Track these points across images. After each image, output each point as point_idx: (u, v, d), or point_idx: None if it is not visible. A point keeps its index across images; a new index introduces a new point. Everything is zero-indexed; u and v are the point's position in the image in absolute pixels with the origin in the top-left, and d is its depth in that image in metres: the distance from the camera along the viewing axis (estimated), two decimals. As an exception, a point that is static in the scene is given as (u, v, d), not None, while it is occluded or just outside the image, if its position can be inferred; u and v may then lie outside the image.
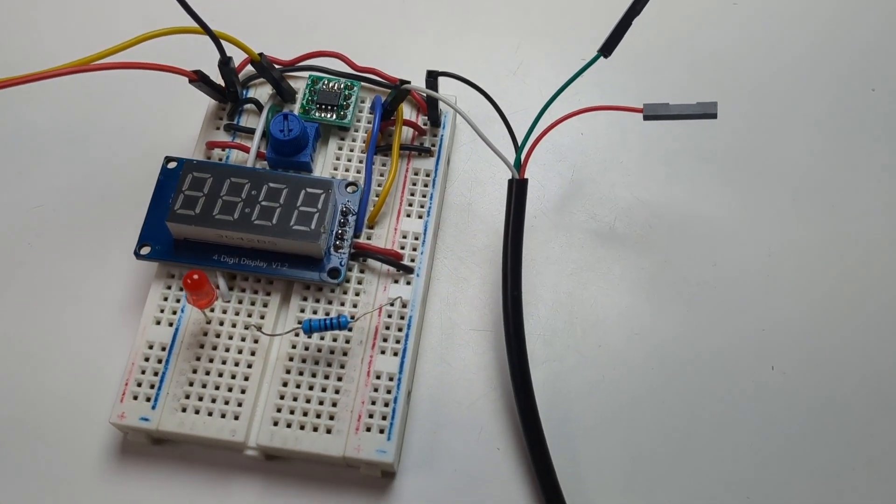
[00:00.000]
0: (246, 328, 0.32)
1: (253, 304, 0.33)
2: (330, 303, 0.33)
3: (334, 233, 0.33)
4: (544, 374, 0.34)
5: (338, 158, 0.36)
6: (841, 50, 0.42)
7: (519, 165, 0.33)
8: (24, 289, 0.35)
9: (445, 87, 0.35)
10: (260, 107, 0.36)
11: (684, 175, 0.38)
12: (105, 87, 0.39)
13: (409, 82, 0.35)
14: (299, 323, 0.32)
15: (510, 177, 0.33)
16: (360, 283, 0.33)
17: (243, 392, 0.31)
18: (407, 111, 0.37)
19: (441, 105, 0.36)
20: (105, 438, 0.32)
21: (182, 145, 0.37)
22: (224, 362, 0.32)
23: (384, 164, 0.36)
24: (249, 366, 0.32)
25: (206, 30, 0.32)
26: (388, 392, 0.31)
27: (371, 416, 0.31)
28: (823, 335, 0.35)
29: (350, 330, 0.32)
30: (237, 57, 0.34)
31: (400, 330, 0.32)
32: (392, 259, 0.33)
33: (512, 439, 0.32)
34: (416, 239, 0.34)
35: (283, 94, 0.36)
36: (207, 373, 0.31)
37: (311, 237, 0.32)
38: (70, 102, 0.39)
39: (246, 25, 0.36)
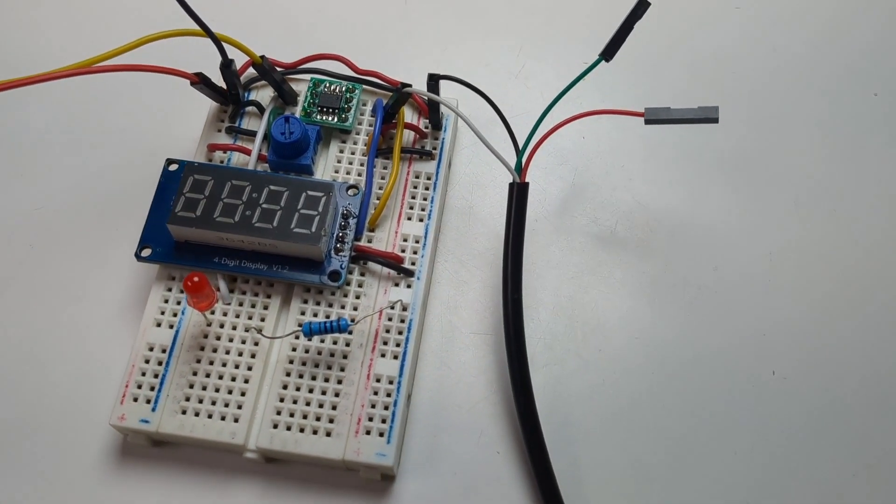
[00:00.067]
0: (246, 331, 0.32)
1: (253, 306, 0.33)
2: (330, 305, 0.33)
3: (335, 236, 0.33)
4: (544, 378, 0.34)
5: (339, 161, 0.36)
6: (843, 54, 0.42)
7: (520, 169, 0.33)
8: (25, 290, 0.35)
9: (447, 90, 0.35)
10: (261, 109, 0.36)
11: (686, 179, 0.38)
12: (107, 90, 0.39)
13: (410, 85, 0.35)
14: (299, 326, 0.32)
15: (511, 180, 0.33)
16: (360, 286, 0.33)
17: (243, 394, 0.31)
18: (408, 114, 0.37)
19: (442, 108, 0.36)
20: (105, 440, 0.32)
21: (183, 147, 0.37)
22: (224, 365, 0.32)
23: (385, 168, 0.36)
24: (249, 368, 0.32)
25: (207, 32, 0.32)
26: (388, 395, 0.31)
27: (371, 420, 0.31)
28: (824, 339, 0.35)
29: (350, 333, 0.32)
30: (239, 59, 0.34)
31: (400, 333, 0.32)
32: (392, 262, 0.33)
33: (512, 443, 0.32)
34: (417, 242, 0.34)
35: (285, 96, 0.36)
36: (207, 375, 0.31)
37: (311, 240, 0.32)
38: (72, 104, 0.39)
39: (248, 28, 0.36)
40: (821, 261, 0.36)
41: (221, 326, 0.32)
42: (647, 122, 0.33)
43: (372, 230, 0.34)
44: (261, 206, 0.32)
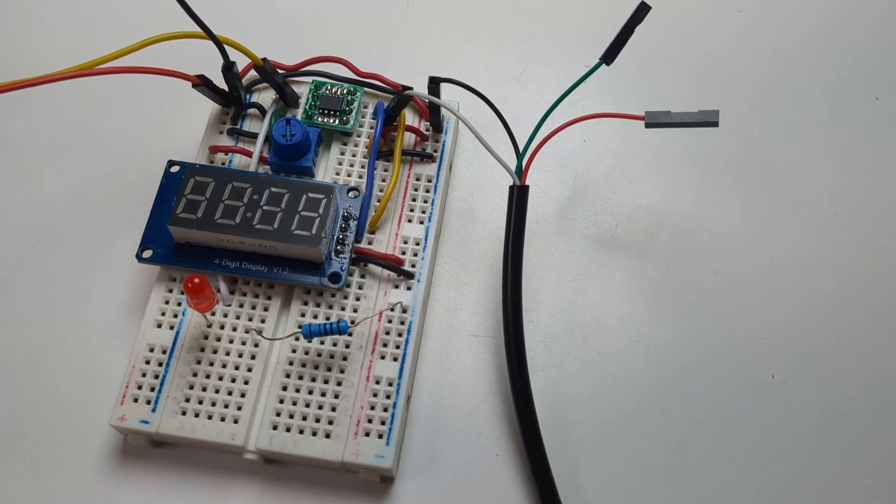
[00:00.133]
0: (246, 332, 0.32)
1: (254, 308, 0.33)
2: (330, 307, 0.33)
3: (335, 237, 0.33)
4: (544, 381, 0.34)
5: (340, 163, 0.36)
6: (844, 58, 0.42)
7: (520, 172, 0.33)
8: (26, 290, 0.35)
9: (448, 93, 0.35)
10: (263, 111, 0.36)
11: (686, 183, 0.38)
12: (109, 91, 0.40)
13: (411, 88, 0.35)
14: (299, 327, 0.32)
15: (511, 183, 0.33)
16: (360, 287, 0.33)
17: (243, 396, 0.31)
18: (409, 117, 0.37)
19: (443, 111, 0.36)
20: (105, 441, 0.32)
21: (185, 149, 0.37)
22: (224, 366, 0.32)
23: (386, 170, 0.36)
24: (249, 369, 0.32)
25: (209, 34, 0.32)
26: (388, 397, 0.31)
27: (370, 421, 0.31)
28: (824, 343, 0.35)
29: (350, 335, 0.32)
30: (241, 62, 0.35)
31: (400, 335, 0.32)
32: (393, 264, 0.33)
33: (511, 445, 0.32)
34: (417, 244, 0.34)
35: (287, 98, 0.36)
36: (208, 376, 0.31)
37: (312, 242, 0.32)
38: (74, 106, 0.40)
39: (250, 30, 0.37)
40: (821, 264, 0.36)
41: (222, 328, 0.32)
42: (648, 125, 0.33)
43: (372, 232, 0.34)
44: (261, 207, 0.32)
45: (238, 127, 0.36)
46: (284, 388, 0.31)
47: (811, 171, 0.39)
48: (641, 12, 0.32)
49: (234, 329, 0.32)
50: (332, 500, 0.31)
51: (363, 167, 0.36)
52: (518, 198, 0.33)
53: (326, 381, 0.31)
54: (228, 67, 0.34)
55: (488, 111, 0.34)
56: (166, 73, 0.32)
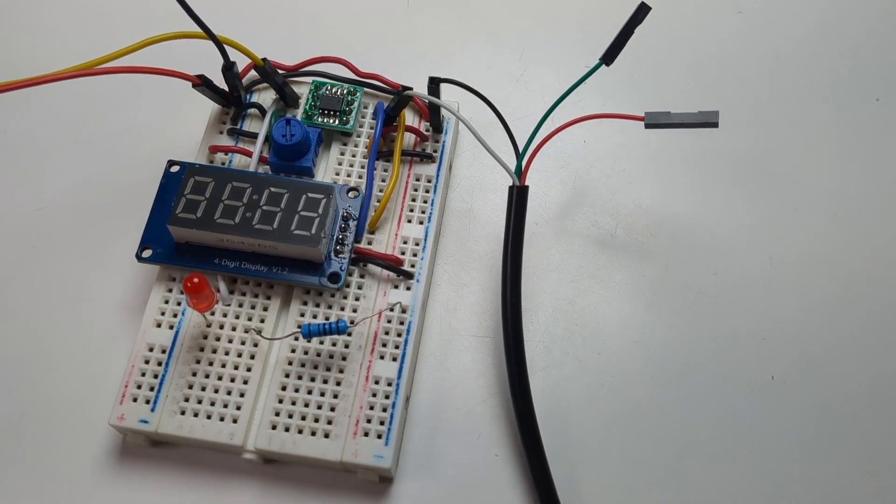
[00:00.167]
0: (246, 332, 0.32)
1: (253, 307, 0.33)
2: (330, 307, 0.33)
3: (335, 238, 0.33)
4: (543, 381, 0.34)
5: (340, 164, 0.36)
6: (845, 59, 0.42)
7: (520, 172, 0.33)
8: (26, 289, 0.35)
9: (449, 93, 0.35)
10: (263, 111, 0.36)
11: (686, 183, 0.38)
12: (109, 91, 0.40)
13: (411, 88, 0.35)
14: (299, 327, 0.32)
15: (511, 183, 0.33)
16: (360, 287, 0.33)
17: (242, 395, 0.31)
18: (410, 117, 0.37)
19: (443, 111, 0.36)
20: (104, 440, 0.32)
21: (185, 149, 0.37)
22: (223, 365, 0.32)
23: (386, 170, 0.36)
24: (249, 369, 0.32)
25: (209, 35, 0.32)
26: (387, 397, 0.31)
27: (369, 421, 0.31)
28: (824, 344, 0.35)
29: (349, 335, 0.32)
30: (241, 62, 0.35)
31: (399, 335, 0.32)
32: (392, 264, 0.33)
33: (510, 446, 0.32)
34: (417, 244, 0.34)
35: (287, 99, 0.36)
36: (207, 376, 0.31)
37: (311, 242, 0.32)
38: (75, 106, 0.40)
39: (250, 30, 0.37)
40: (821, 265, 0.36)
41: (221, 327, 0.32)
42: (648, 126, 0.33)
43: (372, 232, 0.34)
44: (261, 207, 0.32)
45: (238, 127, 0.36)
46: (283, 388, 0.31)
47: (811, 171, 0.39)
48: (641, 13, 0.32)
49: (234, 329, 0.32)
50: (331, 499, 0.31)
51: (363, 167, 0.36)
52: (517, 198, 0.33)
53: (325, 381, 0.31)
54: (228, 67, 0.34)
55: (488, 111, 0.34)
56: (166, 73, 0.32)
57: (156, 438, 0.31)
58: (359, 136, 0.36)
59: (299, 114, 0.36)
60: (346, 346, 0.32)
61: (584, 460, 0.32)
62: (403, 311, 0.33)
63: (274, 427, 0.31)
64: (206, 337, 0.32)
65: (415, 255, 0.34)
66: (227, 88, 0.35)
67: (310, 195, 0.32)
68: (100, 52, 0.30)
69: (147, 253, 0.33)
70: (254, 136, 0.36)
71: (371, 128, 0.37)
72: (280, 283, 0.33)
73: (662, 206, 0.38)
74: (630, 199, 0.38)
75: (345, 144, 0.36)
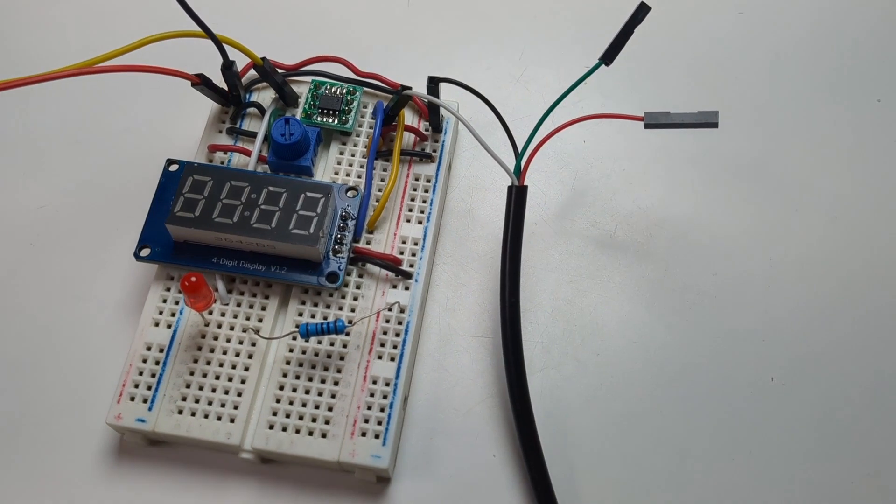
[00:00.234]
0: (244, 331, 0.32)
1: (251, 307, 0.33)
2: (328, 307, 0.33)
3: (333, 237, 0.33)
4: (542, 382, 0.33)
5: (339, 163, 0.36)
6: (846, 60, 0.41)
7: (519, 172, 0.33)
8: (25, 288, 0.35)
9: (449, 93, 0.35)
10: (262, 111, 0.36)
11: (686, 184, 0.38)
12: (109, 90, 0.40)
13: (410, 88, 0.35)
14: (297, 326, 0.32)
15: (510, 183, 0.33)
16: (358, 287, 0.33)
17: (239, 395, 0.31)
18: (409, 117, 0.37)
19: (442, 111, 0.36)
20: (101, 439, 0.32)
21: (184, 148, 0.37)
22: (221, 365, 0.32)
23: (385, 170, 0.36)
24: (246, 369, 0.32)
25: (208, 33, 0.32)
26: (385, 397, 0.31)
27: (367, 421, 0.31)
28: (824, 346, 0.34)
29: (347, 334, 0.32)
30: (241, 61, 0.35)
31: (397, 335, 0.32)
32: (391, 264, 0.33)
33: (508, 446, 0.32)
34: (416, 244, 0.34)
35: (286, 98, 0.36)
36: (204, 375, 0.31)
37: (309, 241, 0.32)
38: (74, 104, 0.40)
39: (249, 29, 0.37)
40: (821, 267, 0.36)
41: (219, 326, 0.32)
42: (647, 126, 0.33)
43: (371, 232, 0.34)
44: (259, 206, 0.32)
45: (237, 126, 0.36)
46: (281, 388, 0.31)
47: (812, 172, 0.38)
48: (641, 13, 0.32)
49: (232, 328, 0.32)
50: (328, 499, 0.31)
51: (362, 167, 0.36)
52: (516, 198, 0.33)
53: (323, 381, 0.31)
54: (228, 66, 0.34)
55: (488, 111, 0.34)
56: (166, 71, 0.32)
57: (153, 438, 0.31)
58: (358, 136, 0.36)
59: (298, 113, 0.36)
60: (345, 346, 0.32)
61: (582, 461, 0.32)
62: (402, 311, 0.33)
63: (271, 427, 0.31)
64: (203, 336, 0.32)
65: (413, 254, 0.34)
66: (226, 87, 0.35)
67: (308, 194, 0.32)
68: (99, 50, 0.30)
69: (145, 252, 0.33)
70: (253, 135, 0.36)
71: (370, 127, 0.36)
72: (278, 283, 0.33)
73: (662, 206, 0.37)
74: (630, 199, 0.38)
75: (344, 144, 0.36)
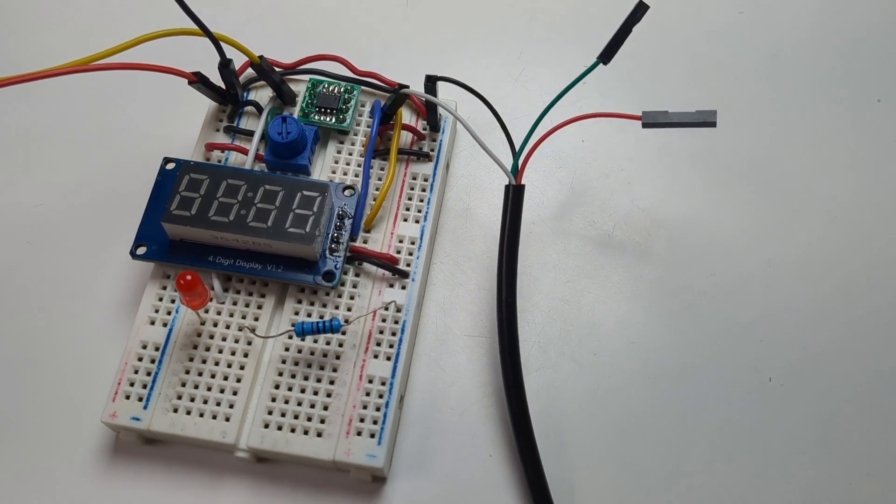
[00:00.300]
0: (239, 330, 0.32)
1: (247, 305, 0.33)
2: (324, 306, 0.33)
3: (330, 236, 0.33)
4: (538, 382, 0.33)
5: (336, 162, 0.36)
6: (846, 60, 0.41)
7: (516, 171, 0.33)
8: (22, 286, 0.35)
9: (447, 92, 0.35)
10: (260, 109, 0.36)
11: (685, 184, 0.38)
12: (106, 88, 0.40)
13: (408, 87, 0.35)
14: (293, 325, 0.32)
15: (507, 182, 0.33)
16: (354, 286, 0.33)
17: (235, 394, 0.31)
18: (407, 116, 0.36)
19: (440, 110, 0.36)
20: (96, 437, 0.32)
21: (182, 147, 0.37)
22: (217, 364, 0.32)
23: (382, 169, 0.36)
24: (242, 367, 0.31)
25: (206, 32, 0.32)
26: (380, 396, 0.31)
27: (362, 421, 0.31)
28: (822, 347, 0.34)
29: (343, 333, 0.32)
30: (238, 59, 0.34)
31: (394, 334, 0.32)
32: (387, 263, 0.33)
33: (504, 446, 0.32)
34: (413, 243, 0.34)
35: (284, 97, 0.36)
36: (200, 374, 0.31)
37: (305, 240, 0.32)
38: (71, 102, 0.40)
39: (247, 28, 0.37)
40: (820, 268, 0.36)
41: (215, 325, 0.32)
42: (645, 125, 0.33)
43: (368, 231, 0.34)
44: (256, 205, 0.32)
45: (235, 125, 0.36)
46: (277, 387, 0.31)
47: (811, 173, 0.38)
48: (639, 12, 0.32)
49: (228, 327, 0.32)
50: (324, 499, 0.31)
51: (360, 166, 0.35)
52: (513, 197, 0.33)
53: (319, 380, 0.31)
54: (225, 65, 0.34)
55: (486, 111, 0.34)
56: (163, 69, 0.32)
57: (148, 436, 0.31)
58: (356, 135, 0.36)
59: (296, 112, 0.36)
60: (341, 345, 0.32)
61: (578, 461, 0.32)
62: (398, 311, 0.33)
63: (267, 426, 0.31)
64: (199, 335, 0.32)
65: (410, 254, 0.34)
66: (224, 86, 0.35)
67: (305, 193, 0.32)
68: (96, 48, 0.30)
69: (141, 250, 0.33)
70: (250, 133, 0.36)
71: (368, 126, 0.36)
72: (274, 282, 0.33)
73: (660, 206, 0.37)
74: (628, 199, 0.38)
75: (341, 143, 0.36)
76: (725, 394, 0.33)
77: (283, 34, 0.42)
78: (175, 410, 0.31)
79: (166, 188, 0.34)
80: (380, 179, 0.35)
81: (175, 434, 0.30)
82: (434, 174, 0.36)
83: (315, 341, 0.32)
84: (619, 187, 0.38)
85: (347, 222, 0.33)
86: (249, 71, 0.36)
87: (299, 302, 0.33)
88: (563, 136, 0.34)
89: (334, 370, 0.31)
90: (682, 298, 0.35)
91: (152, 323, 0.32)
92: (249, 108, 0.36)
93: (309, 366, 0.32)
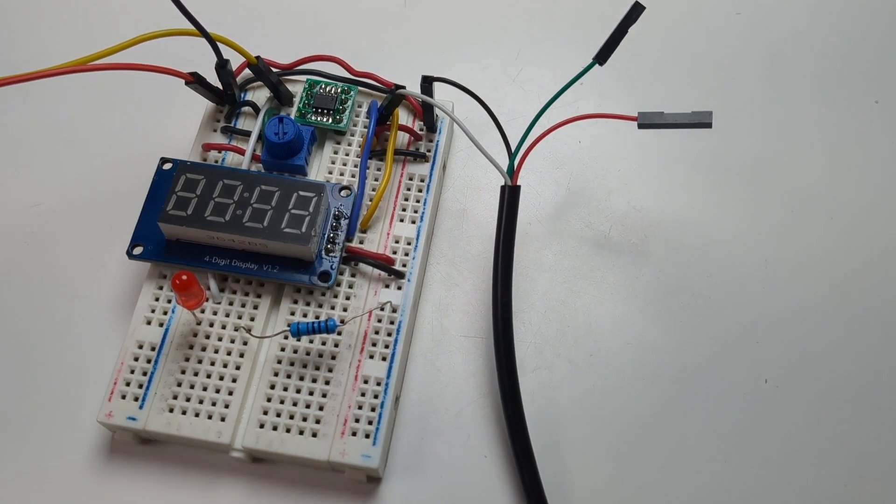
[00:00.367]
0: (235, 330, 0.32)
1: (243, 306, 0.33)
2: (320, 306, 0.33)
3: (326, 236, 0.33)
4: (534, 382, 0.33)
5: (333, 162, 0.36)
6: (844, 61, 0.41)
7: (512, 172, 0.33)
8: (19, 286, 0.35)
9: (445, 92, 0.35)
10: (257, 110, 0.36)
11: (682, 184, 0.38)
12: (103, 88, 0.40)
13: (404, 87, 0.35)
14: (288, 326, 0.32)
15: (503, 183, 0.33)
16: (350, 287, 0.33)
17: (230, 394, 0.31)
18: (404, 116, 0.37)
19: (437, 111, 0.36)
20: (92, 437, 0.32)
21: (179, 147, 0.37)
22: (212, 364, 0.32)
23: (379, 169, 0.36)
24: (237, 368, 0.31)
25: (202, 32, 0.32)
26: (376, 397, 0.31)
27: (357, 421, 0.31)
28: (818, 348, 0.34)
29: (339, 334, 0.32)
30: (235, 60, 0.34)
31: (389, 335, 0.32)
32: (384, 264, 0.33)
33: (499, 447, 0.32)
34: (409, 244, 0.34)
35: (281, 97, 0.36)
36: (195, 374, 0.31)
37: (301, 240, 0.32)
38: (68, 102, 0.40)
39: (244, 28, 0.37)
40: (817, 269, 0.36)
41: (211, 325, 0.32)
42: (641, 126, 0.33)
43: (364, 231, 0.34)
44: (252, 205, 0.32)
45: (232, 125, 0.36)
46: (272, 387, 0.31)
47: (808, 174, 0.38)
48: (635, 12, 0.31)
49: (224, 327, 0.32)
50: (319, 499, 0.31)
51: (356, 166, 0.36)
52: (509, 198, 0.33)
53: (314, 380, 0.31)
54: (222, 65, 0.34)
55: (484, 111, 0.34)
56: (159, 70, 0.32)
57: (144, 436, 0.31)
58: (352, 135, 0.36)
59: (293, 112, 0.36)
60: (336, 346, 0.32)
61: (573, 462, 0.32)
62: (394, 311, 0.33)
63: (262, 426, 0.31)
64: (195, 335, 0.32)
65: (406, 254, 0.34)
66: (221, 86, 0.35)
67: (301, 193, 0.32)
68: (93, 48, 0.30)
69: (138, 250, 0.33)
70: (247, 134, 0.36)
71: (365, 127, 0.36)
72: (270, 282, 0.33)
73: (657, 207, 0.37)
74: (625, 200, 0.38)
75: (338, 143, 0.36)
76: (721, 395, 0.33)
77: (280, 35, 0.42)
78: (171, 410, 0.31)
79: (163, 188, 0.34)
80: (376, 180, 0.35)
81: (171, 434, 0.30)
82: (430, 175, 0.36)
83: (310, 341, 0.32)
84: (615, 188, 0.38)
85: (343, 223, 0.33)
86: (246, 71, 0.36)
87: (295, 302, 0.33)
88: (561, 136, 0.34)
89: (330, 370, 0.31)
90: (678, 300, 0.35)
91: (148, 323, 0.32)
92: (246, 109, 0.37)
93: (304, 366, 0.32)
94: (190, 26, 0.32)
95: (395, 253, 0.34)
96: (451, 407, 0.33)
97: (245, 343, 0.32)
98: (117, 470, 0.32)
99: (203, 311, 0.32)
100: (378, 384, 0.31)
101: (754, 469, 0.32)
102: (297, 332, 0.31)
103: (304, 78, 0.37)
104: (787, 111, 0.40)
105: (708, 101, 0.40)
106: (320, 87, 0.36)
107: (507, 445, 0.32)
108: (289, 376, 0.31)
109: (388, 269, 0.33)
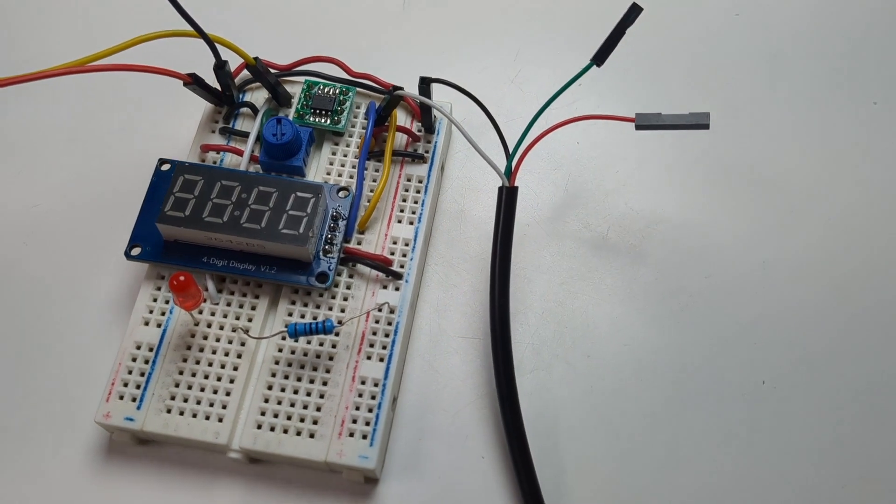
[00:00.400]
0: (233, 331, 0.32)
1: (241, 306, 0.33)
2: (318, 307, 0.33)
3: (324, 237, 0.33)
4: (532, 384, 0.33)
5: (331, 163, 0.36)
6: (842, 63, 0.41)
7: (509, 173, 0.33)
8: (17, 286, 0.35)
9: (444, 93, 0.35)
10: (255, 111, 0.36)
11: (679, 185, 0.38)
12: (101, 89, 0.40)
13: (402, 88, 0.35)
14: (286, 327, 0.32)
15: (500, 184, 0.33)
16: (348, 288, 0.33)
17: (228, 394, 0.31)
18: (402, 118, 0.37)
19: (435, 112, 0.36)
20: (90, 438, 0.32)
21: (177, 148, 0.37)
22: (210, 364, 0.32)
23: (377, 170, 0.36)
24: (235, 368, 0.32)
25: (200, 33, 0.32)
26: (373, 398, 0.31)
27: (355, 422, 0.31)
28: (816, 349, 0.34)
29: (336, 334, 0.32)
30: (234, 61, 0.35)
31: (387, 336, 0.32)
32: (381, 265, 0.33)
33: (497, 448, 0.32)
34: (407, 245, 0.34)
35: (279, 98, 0.36)
36: (193, 374, 0.31)
37: (299, 241, 0.32)
38: (67, 103, 0.40)
39: (242, 29, 0.37)
40: (815, 270, 0.36)
41: (209, 326, 0.32)
42: (638, 127, 0.33)
43: (362, 232, 0.34)
44: (249, 206, 0.32)
45: (230, 126, 0.36)
46: (270, 388, 0.31)
47: (806, 175, 0.38)
48: (633, 14, 0.31)
49: (221, 328, 0.32)
50: (316, 500, 0.31)
51: (354, 167, 0.36)
52: (507, 199, 0.33)
53: (312, 381, 0.31)
54: (220, 66, 0.34)
55: (482, 112, 0.34)
56: (157, 71, 0.32)
57: (142, 437, 0.31)
58: (351, 136, 0.36)
59: (291, 113, 0.36)
60: (334, 346, 0.32)
61: (571, 463, 0.32)
62: (391, 312, 0.33)
63: (259, 426, 0.31)
64: (193, 335, 0.32)
65: (404, 255, 0.34)
66: (219, 87, 0.35)
67: (299, 194, 0.32)
68: (91, 49, 0.30)
69: (136, 251, 0.33)
70: (246, 135, 0.36)
71: (363, 128, 0.36)
72: (268, 283, 0.33)
73: (655, 208, 0.37)
74: (622, 201, 0.38)
75: (336, 144, 0.36)
76: (719, 396, 0.33)
77: (278, 36, 0.42)
78: (168, 411, 0.31)
79: (161, 189, 0.34)
80: (374, 181, 0.35)
81: (168, 434, 0.30)
82: (428, 176, 0.36)
83: (308, 342, 0.32)
84: (613, 189, 0.38)
85: (341, 224, 0.34)
86: (245, 72, 0.36)
87: (293, 303, 0.33)
88: (559, 137, 0.34)
89: (327, 371, 0.32)
90: (676, 300, 0.35)
91: (146, 324, 0.32)
92: (245, 110, 0.37)
93: (302, 367, 0.32)
94: (188, 27, 0.32)
95: (392, 254, 0.34)
96: (448, 408, 0.33)
97: (243, 344, 0.32)
98: (115, 470, 0.32)
99: (201, 312, 0.32)
100: (375, 385, 0.31)
101: (753, 470, 0.32)
102: (294, 332, 0.31)
103: (302, 79, 0.37)
104: (786, 112, 0.40)
105: (707, 102, 0.40)
106: (319, 88, 0.37)
107: (505, 446, 0.32)
108: (286, 377, 0.31)
109: (386, 269, 0.33)
